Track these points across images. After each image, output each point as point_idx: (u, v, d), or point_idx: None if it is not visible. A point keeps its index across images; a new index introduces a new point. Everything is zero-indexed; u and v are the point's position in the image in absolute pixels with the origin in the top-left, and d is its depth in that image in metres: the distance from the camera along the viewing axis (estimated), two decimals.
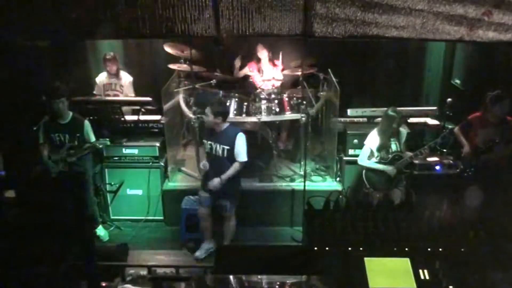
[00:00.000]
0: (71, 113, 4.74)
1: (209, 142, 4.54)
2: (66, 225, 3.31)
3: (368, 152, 4.75)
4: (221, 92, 5.78)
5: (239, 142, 4.45)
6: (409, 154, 4.69)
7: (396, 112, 4.61)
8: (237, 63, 6.29)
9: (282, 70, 6.17)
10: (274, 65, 6.15)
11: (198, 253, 4.83)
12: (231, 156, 4.46)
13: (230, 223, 4.78)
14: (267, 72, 6.12)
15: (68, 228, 3.28)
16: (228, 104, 5.47)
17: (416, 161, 4.96)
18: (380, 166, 4.68)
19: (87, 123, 4.79)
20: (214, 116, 4.40)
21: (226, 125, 4.52)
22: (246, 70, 6.24)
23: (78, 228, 3.60)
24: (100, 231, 5.19)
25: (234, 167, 4.51)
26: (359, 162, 4.81)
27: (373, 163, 4.72)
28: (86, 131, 4.76)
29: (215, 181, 4.50)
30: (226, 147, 4.45)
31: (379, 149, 4.70)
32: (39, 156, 4.72)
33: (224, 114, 4.50)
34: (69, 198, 4.69)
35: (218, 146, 4.48)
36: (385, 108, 4.75)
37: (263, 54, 6.07)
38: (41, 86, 5.43)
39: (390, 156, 4.68)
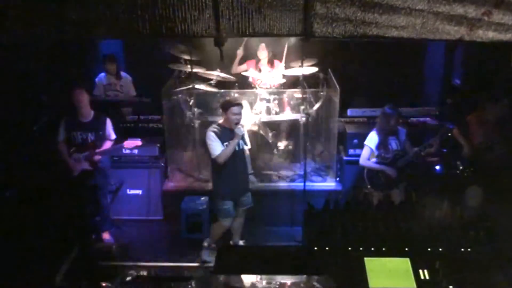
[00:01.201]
0: (92, 112, 4.71)
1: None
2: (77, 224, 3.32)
3: (368, 152, 4.75)
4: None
5: (243, 130, 4.47)
6: (415, 149, 4.69)
7: (393, 109, 4.61)
8: (240, 53, 6.25)
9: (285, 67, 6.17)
10: (272, 66, 6.15)
11: (208, 258, 4.78)
12: (245, 143, 4.52)
13: (243, 216, 4.76)
14: (264, 72, 6.12)
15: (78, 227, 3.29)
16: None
17: (416, 161, 4.96)
18: (382, 167, 4.68)
19: (108, 120, 4.78)
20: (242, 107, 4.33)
21: None
22: (243, 67, 6.24)
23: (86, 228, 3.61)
24: (106, 235, 5.18)
25: (248, 154, 4.60)
26: (361, 163, 4.81)
27: (374, 164, 4.72)
28: (108, 129, 4.77)
29: (253, 178, 4.68)
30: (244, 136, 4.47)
31: (378, 148, 4.70)
32: (58, 153, 4.65)
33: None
34: (86, 197, 4.75)
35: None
36: None
37: (263, 54, 6.07)
38: (41, 86, 5.44)
39: (390, 154, 4.68)
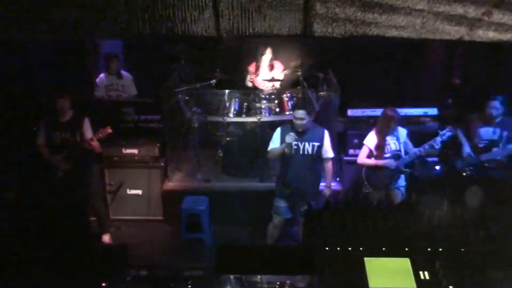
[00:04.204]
0: (71, 111, 4.74)
1: (294, 143, 4.33)
2: (66, 225, 3.31)
3: (366, 151, 4.76)
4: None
5: (328, 138, 4.43)
6: (415, 150, 4.69)
7: (394, 111, 4.63)
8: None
9: (283, 70, 6.17)
10: (272, 68, 6.15)
11: None
12: (320, 153, 4.41)
13: None
14: (265, 73, 6.12)
15: (68, 229, 3.28)
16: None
17: (416, 161, 4.97)
18: (380, 162, 4.68)
19: (86, 120, 4.78)
20: (308, 114, 4.31)
21: (310, 122, 4.43)
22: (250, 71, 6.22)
23: (79, 228, 3.60)
24: (105, 236, 5.18)
25: (329, 167, 4.52)
26: (358, 161, 4.83)
27: (372, 160, 4.72)
28: (86, 127, 4.75)
29: (327, 191, 4.56)
30: (317, 144, 4.37)
31: (377, 149, 4.71)
32: (41, 156, 4.68)
33: (308, 109, 4.39)
34: (71, 198, 4.73)
35: (307, 143, 4.35)
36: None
37: (267, 57, 6.06)
38: (41, 86, 5.44)
39: (389, 155, 4.68)
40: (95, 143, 4.63)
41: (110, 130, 4.64)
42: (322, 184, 4.69)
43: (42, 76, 5.78)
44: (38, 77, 5.68)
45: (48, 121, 4.70)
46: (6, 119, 5.04)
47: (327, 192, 4.60)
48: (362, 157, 4.78)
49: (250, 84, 6.17)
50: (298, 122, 4.27)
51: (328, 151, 4.49)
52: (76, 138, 4.66)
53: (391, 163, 4.64)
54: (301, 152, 4.37)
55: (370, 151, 4.74)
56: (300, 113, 4.26)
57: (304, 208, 4.41)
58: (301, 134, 4.34)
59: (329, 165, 4.57)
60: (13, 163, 4.91)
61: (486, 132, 4.67)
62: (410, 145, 4.77)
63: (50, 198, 4.02)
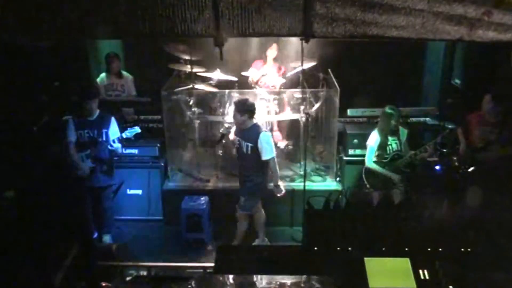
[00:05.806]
0: (98, 110, 4.79)
1: (237, 138, 4.63)
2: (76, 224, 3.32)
3: (373, 152, 4.74)
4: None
5: (262, 140, 4.44)
6: (411, 152, 4.70)
7: (394, 109, 4.63)
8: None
9: (284, 72, 6.16)
10: (279, 70, 6.13)
11: None
12: (255, 153, 4.47)
13: (257, 220, 4.90)
14: (272, 72, 6.09)
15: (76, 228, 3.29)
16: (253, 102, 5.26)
17: (416, 161, 4.97)
18: (388, 173, 4.68)
19: (113, 119, 4.83)
20: (240, 114, 4.42)
21: (251, 123, 4.53)
22: (253, 71, 6.19)
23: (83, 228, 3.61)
24: (106, 237, 5.18)
25: (269, 167, 4.57)
26: (367, 164, 4.79)
27: (381, 168, 4.71)
28: (112, 128, 4.79)
29: (276, 190, 4.68)
30: (250, 144, 4.47)
31: (379, 148, 4.71)
32: (67, 153, 4.72)
33: (249, 111, 4.46)
34: (88, 197, 4.81)
35: (243, 142, 4.52)
36: None
37: (272, 53, 6.03)
38: (41, 86, 5.44)
39: (390, 154, 4.68)
40: (117, 144, 4.72)
41: (139, 130, 4.73)
42: (270, 184, 4.76)
43: (43, 76, 5.77)
44: (38, 77, 5.67)
45: (75, 120, 4.74)
46: (7, 119, 5.03)
47: (276, 190, 4.68)
48: (370, 160, 4.76)
49: (253, 81, 6.14)
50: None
51: (263, 153, 4.45)
52: (102, 137, 4.70)
53: (397, 178, 4.68)
54: (242, 150, 4.56)
55: (374, 151, 4.74)
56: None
57: (241, 202, 4.71)
58: (242, 132, 4.56)
59: (269, 166, 4.57)
60: (13, 162, 4.91)
61: (485, 132, 4.67)
62: (407, 147, 4.78)
63: (62, 196, 4.04)
